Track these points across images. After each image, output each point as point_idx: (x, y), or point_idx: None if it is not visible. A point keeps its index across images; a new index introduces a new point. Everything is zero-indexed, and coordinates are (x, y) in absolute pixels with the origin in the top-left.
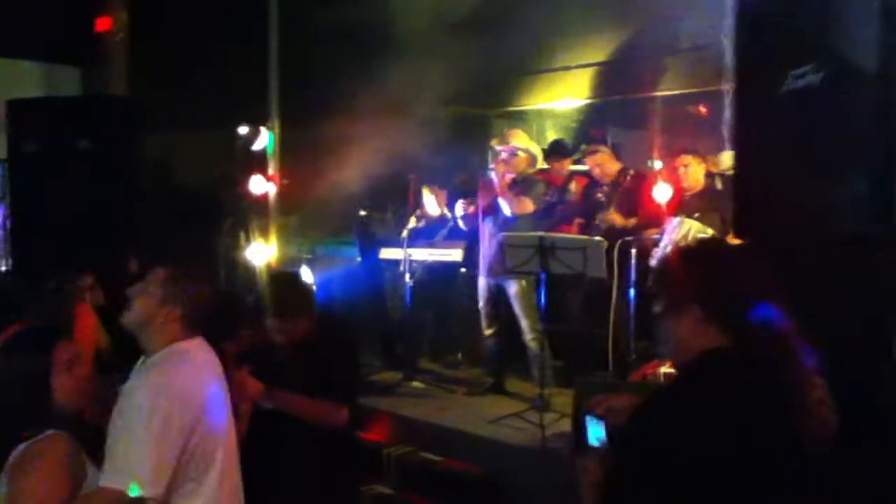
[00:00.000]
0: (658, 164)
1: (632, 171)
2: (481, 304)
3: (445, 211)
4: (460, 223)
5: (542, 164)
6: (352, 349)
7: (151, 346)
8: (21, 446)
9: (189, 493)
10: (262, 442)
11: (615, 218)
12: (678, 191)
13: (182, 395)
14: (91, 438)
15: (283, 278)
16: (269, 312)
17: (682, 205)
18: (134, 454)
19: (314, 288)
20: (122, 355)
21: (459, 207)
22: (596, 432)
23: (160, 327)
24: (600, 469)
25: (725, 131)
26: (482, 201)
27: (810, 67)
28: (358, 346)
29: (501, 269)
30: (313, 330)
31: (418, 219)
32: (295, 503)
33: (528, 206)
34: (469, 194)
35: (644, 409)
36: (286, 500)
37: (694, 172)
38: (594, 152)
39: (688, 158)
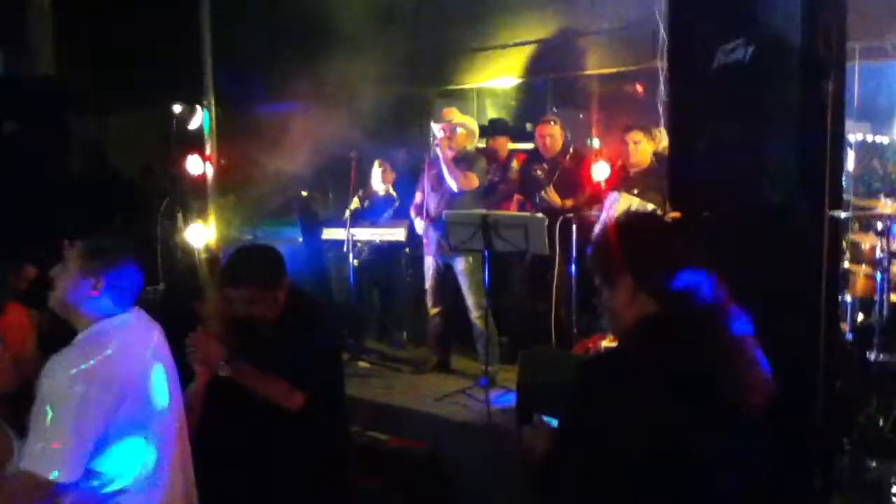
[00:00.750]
0: (596, 143)
1: (571, 150)
2: (428, 282)
3: (391, 189)
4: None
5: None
6: (322, 332)
7: (79, 325)
8: None
9: (109, 476)
10: (226, 410)
11: (553, 198)
12: (623, 167)
13: (102, 376)
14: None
15: (261, 248)
16: (248, 283)
17: (625, 180)
18: (51, 438)
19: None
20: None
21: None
22: None
23: (83, 304)
24: (545, 439)
25: (660, 107)
26: (427, 180)
27: (740, 42)
28: (328, 327)
29: (448, 247)
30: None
31: (361, 199)
32: (255, 479)
33: (474, 181)
34: (411, 174)
35: (583, 379)
36: (247, 473)
37: (643, 150)
38: (548, 122)
39: (639, 135)
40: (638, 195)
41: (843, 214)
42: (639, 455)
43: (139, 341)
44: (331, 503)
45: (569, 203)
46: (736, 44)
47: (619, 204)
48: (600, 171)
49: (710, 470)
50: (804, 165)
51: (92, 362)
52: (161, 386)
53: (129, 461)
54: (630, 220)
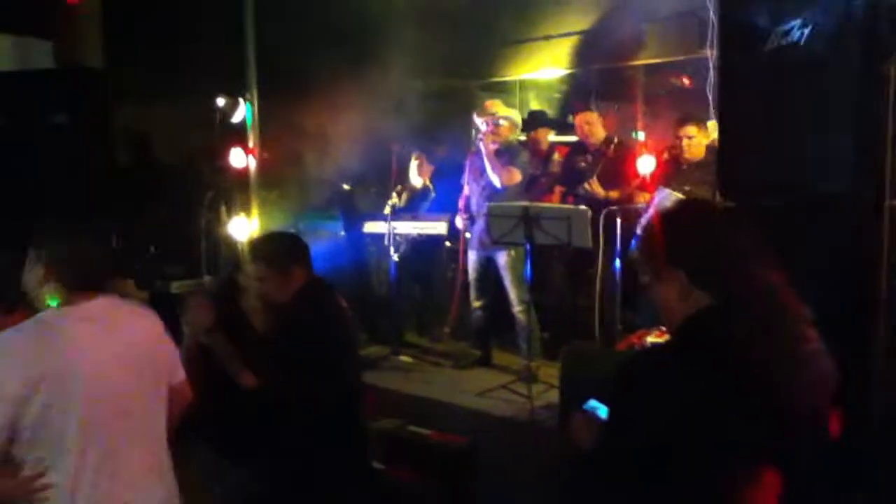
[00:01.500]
0: (642, 135)
1: (616, 140)
2: (472, 276)
3: (428, 182)
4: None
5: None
6: (326, 327)
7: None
8: None
9: (39, 463)
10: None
11: (597, 189)
12: (674, 160)
13: (17, 365)
14: None
15: (282, 233)
16: (258, 260)
17: (678, 174)
18: None
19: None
20: None
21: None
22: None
23: (38, 294)
24: (592, 428)
25: (710, 97)
26: (470, 174)
27: (797, 23)
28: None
29: (490, 241)
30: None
31: (399, 194)
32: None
33: (516, 175)
34: (452, 167)
35: (631, 373)
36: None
37: (697, 143)
38: (586, 111)
39: (693, 129)
40: (689, 192)
41: None
42: (690, 452)
43: (83, 332)
44: (355, 490)
45: (613, 195)
46: (791, 25)
47: (669, 201)
48: (646, 165)
49: (762, 469)
50: (863, 153)
51: (7, 351)
52: (91, 379)
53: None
54: (680, 211)
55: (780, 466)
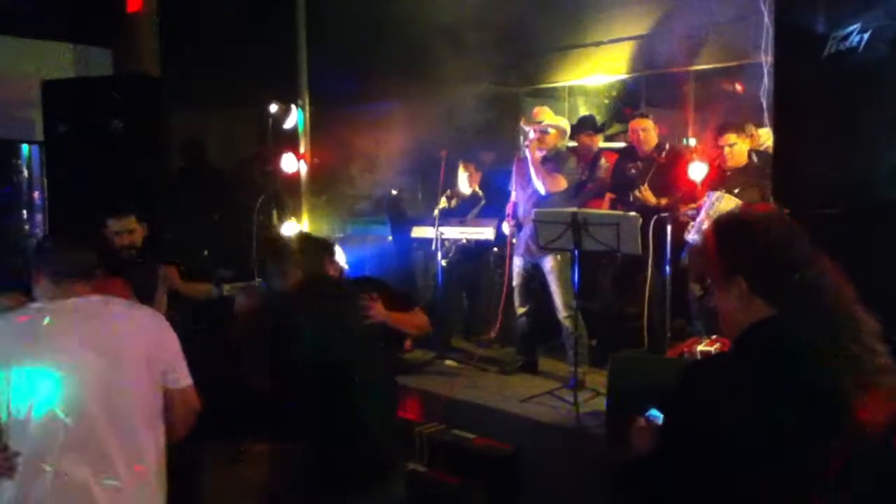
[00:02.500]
0: (693, 142)
1: (667, 147)
2: (515, 282)
3: (477, 190)
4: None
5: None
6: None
7: None
8: None
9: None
10: None
11: (648, 196)
12: (719, 168)
13: None
14: None
15: (299, 234)
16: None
17: (722, 181)
18: None
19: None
20: None
21: (506, 227)
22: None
23: (35, 292)
24: (650, 435)
25: (764, 104)
26: (516, 180)
27: (856, 27)
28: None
29: (537, 247)
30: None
31: (448, 199)
32: None
33: (562, 182)
34: (501, 173)
35: (693, 384)
36: None
37: (738, 150)
38: (643, 116)
39: (733, 137)
40: (738, 195)
41: None
42: (748, 463)
43: (33, 327)
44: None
45: (664, 202)
46: (850, 30)
47: (721, 204)
48: (697, 171)
49: (823, 485)
50: None
51: None
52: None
53: None
54: (741, 216)
55: (846, 482)
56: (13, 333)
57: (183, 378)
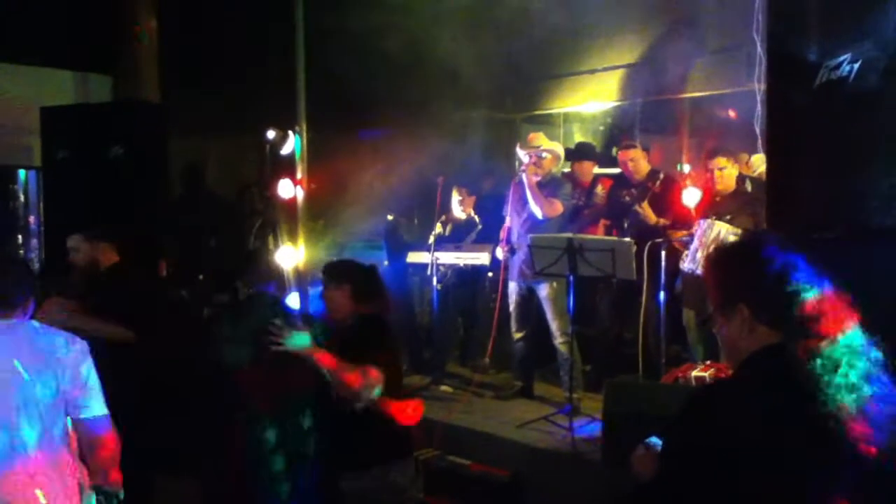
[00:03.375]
0: (687, 168)
1: (662, 175)
2: (511, 307)
3: (472, 214)
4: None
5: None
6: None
7: None
8: None
9: None
10: None
11: (649, 213)
12: (709, 193)
13: None
14: None
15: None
16: None
17: (712, 207)
18: None
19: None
20: None
21: (499, 252)
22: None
23: None
24: (651, 462)
25: (757, 130)
26: (511, 205)
27: (847, 57)
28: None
29: (531, 272)
30: None
31: (444, 224)
32: None
33: (558, 207)
34: (497, 198)
35: (696, 409)
36: None
37: (728, 175)
38: (630, 147)
39: (723, 161)
40: (730, 221)
41: None
42: (751, 491)
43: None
44: None
45: (664, 221)
46: (841, 60)
47: (712, 231)
48: (691, 197)
49: None
50: None
51: None
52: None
53: None
54: (742, 244)
55: None
56: None
57: (95, 407)
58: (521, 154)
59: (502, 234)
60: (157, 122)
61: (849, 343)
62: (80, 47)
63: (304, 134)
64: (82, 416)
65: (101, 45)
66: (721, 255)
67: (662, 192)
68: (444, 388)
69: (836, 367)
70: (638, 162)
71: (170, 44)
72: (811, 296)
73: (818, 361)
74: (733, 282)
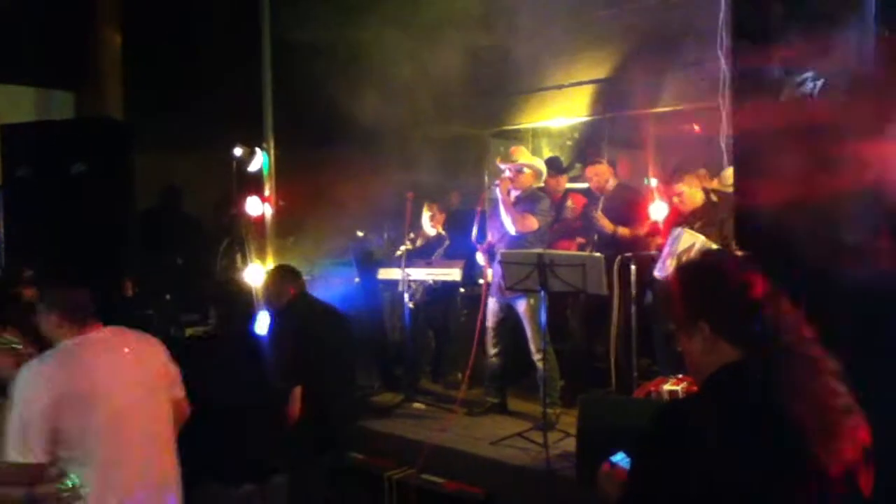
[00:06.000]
0: (654, 182)
1: (618, 181)
2: (490, 323)
3: (441, 230)
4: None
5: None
6: None
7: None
8: None
9: (71, 461)
10: None
11: (604, 221)
12: (676, 211)
13: (46, 385)
14: None
15: None
16: None
17: (683, 220)
18: (13, 432)
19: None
20: None
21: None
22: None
23: (52, 334)
24: (618, 482)
25: (723, 146)
26: (492, 221)
27: (810, 74)
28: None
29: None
30: None
31: (413, 240)
32: None
33: (533, 223)
34: (466, 214)
35: (662, 427)
36: None
37: (689, 197)
38: (596, 163)
39: (681, 187)
40: (699, 229)
41: None
42: None
43: (91, 357)
44: None
45: (622, 231)
46: (804, 77)
47: (683, 239)
48: (658, 211)
49: None
50: (882, 203)
51: (38, 375)
52: (107, 393)
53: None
54: (702, 262)
55: None
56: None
57: (181, 389)
58: (501, 167)
59: (483, 246)
60: (121, 140)
61: (808, 357)
62: (42, 63)
63: (272, 151)
64: None
65: (64, 61)
66: (682, 274)
67: (615, 197)
68: (416, 405)
69: (797, 381)
70: (602, 176)
71: (134, 60)
72: (769, 312)
73: (779, 377)
74: (694, 299)
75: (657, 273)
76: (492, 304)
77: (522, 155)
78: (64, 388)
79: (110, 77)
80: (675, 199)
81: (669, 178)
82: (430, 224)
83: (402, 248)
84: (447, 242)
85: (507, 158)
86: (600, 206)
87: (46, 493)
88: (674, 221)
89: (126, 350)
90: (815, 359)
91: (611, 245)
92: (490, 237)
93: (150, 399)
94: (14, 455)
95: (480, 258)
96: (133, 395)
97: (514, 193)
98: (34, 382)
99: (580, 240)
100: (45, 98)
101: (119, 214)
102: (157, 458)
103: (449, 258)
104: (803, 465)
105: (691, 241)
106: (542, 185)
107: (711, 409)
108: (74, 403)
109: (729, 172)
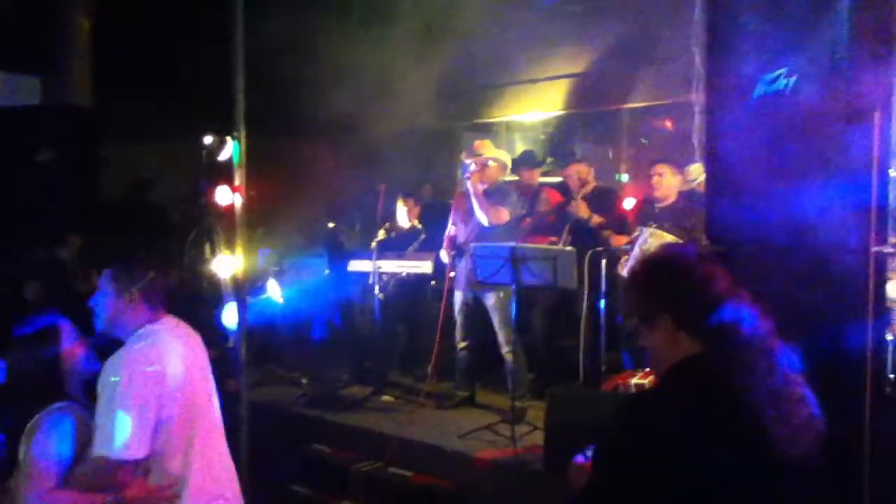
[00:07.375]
0: (625, 178)
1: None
2: (458, 316)
3: (416, 224)
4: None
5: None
6: None
7: (124, 334)
8: (37, 415)
9: (167, 455)
10: None
11: (583, 210)
12: (646, 201)
13: (151, 372)
14: None
15: None
16: None
17: (651, 216)
18: (117, 424)
19: None
20: None
21: (444, 255)
22: None
23: (125, 316)
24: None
25: (695, 141)
26: (457, 213)
27: (783, 71)
28: None
29: (477, 282)
30: None
31: (387, 231)
32: None
33: (504, 215)
34: (439, 207)
35: (624, 419)
36: None
37: (668, 182)
38: (574, 162)
39: (663, 167)
40: (668, 229)
41: (888, 250)
42: (680, 498)
43: (178, 344)
44: None
45: (597, 220)
46: (777, 74)
47: (651, 241)
48: (628, 202)
49: None
50: (849, 200)
51: (142, 360)
52: (198, 383)
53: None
54: (664, 256)
55: None
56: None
57: None
58: (467, 162)
59: (445, 243)
60: (88, 127)
61: (766, 349)
62: (8, 47)
63: (243, 140)
64: None
65: (31, 45)
66: (644, 268)
67: (598, 195)
68: (385, 398)
69: (755, 372)
70: (582, 175)
71: (104, 46)
72: (729, 305)
73: (737, 369)
74: (655, 293)
75: (625, 271)
76: (458, 296)
77: (488, 149)
78: (172, 369)
79: (78, 63)
80: (655, 179)
81: (653, 161)
82: (406, 218)
83: (377, 238)
84: (423, 236)
85: (472, 152)
86: (580, 194)
87: (136, 498)
88: (645, 213)
89: (192, 339)
90: (773, 351)
91: (586, 237)
92: (452, 230)
93: (213, 389)
94: (118, 449)
95: (444, 255)
96: (207, 386)
97: (481, 186)
98: (159, 362)
99: (553, 238)
100: (11, 83)
101: (84, 203)
102: (226, 450)
103: (423, 251)
104: (762, 454)
105: (659, 242)
106: (508, 178)
107: (671, 401)
108: (173, 391)
109: (694, 167)
